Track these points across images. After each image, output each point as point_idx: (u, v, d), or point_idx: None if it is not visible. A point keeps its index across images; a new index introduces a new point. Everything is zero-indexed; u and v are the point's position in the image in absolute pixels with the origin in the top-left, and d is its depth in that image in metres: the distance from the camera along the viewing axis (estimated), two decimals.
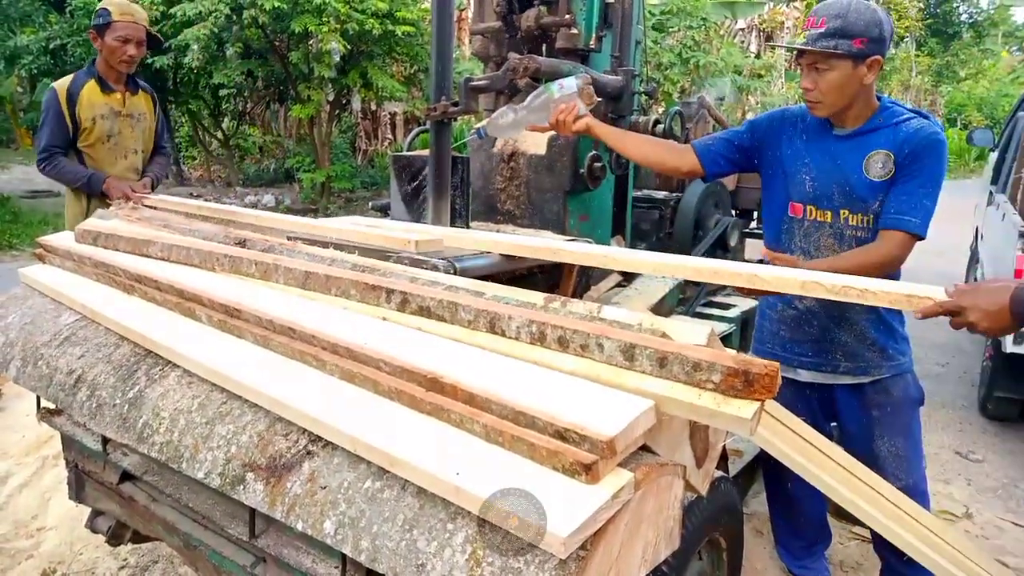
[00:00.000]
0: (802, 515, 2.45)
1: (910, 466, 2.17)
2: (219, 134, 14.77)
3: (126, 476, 1.85)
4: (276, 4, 9.48)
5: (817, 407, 2.28)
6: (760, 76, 16.93)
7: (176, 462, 1.39)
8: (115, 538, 2.20)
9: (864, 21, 1.91)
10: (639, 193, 3.51)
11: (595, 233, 2.83)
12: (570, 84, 2.18)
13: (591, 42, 2.72)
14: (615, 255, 1.92)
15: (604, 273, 2.80)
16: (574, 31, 2.64)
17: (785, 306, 2.23)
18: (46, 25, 11.08)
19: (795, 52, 2.07)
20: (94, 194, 3.31)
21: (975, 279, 5.71)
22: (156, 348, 1.60)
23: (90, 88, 3.29)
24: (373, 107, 14.97)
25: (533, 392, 1.14)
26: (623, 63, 2.90)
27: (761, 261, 2.05)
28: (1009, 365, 3.99)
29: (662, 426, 1.14)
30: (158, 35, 3.56)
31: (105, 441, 1.78)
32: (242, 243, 1.90)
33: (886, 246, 1.96)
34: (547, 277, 2.27)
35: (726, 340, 2.98)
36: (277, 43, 11.20)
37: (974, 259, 6.26)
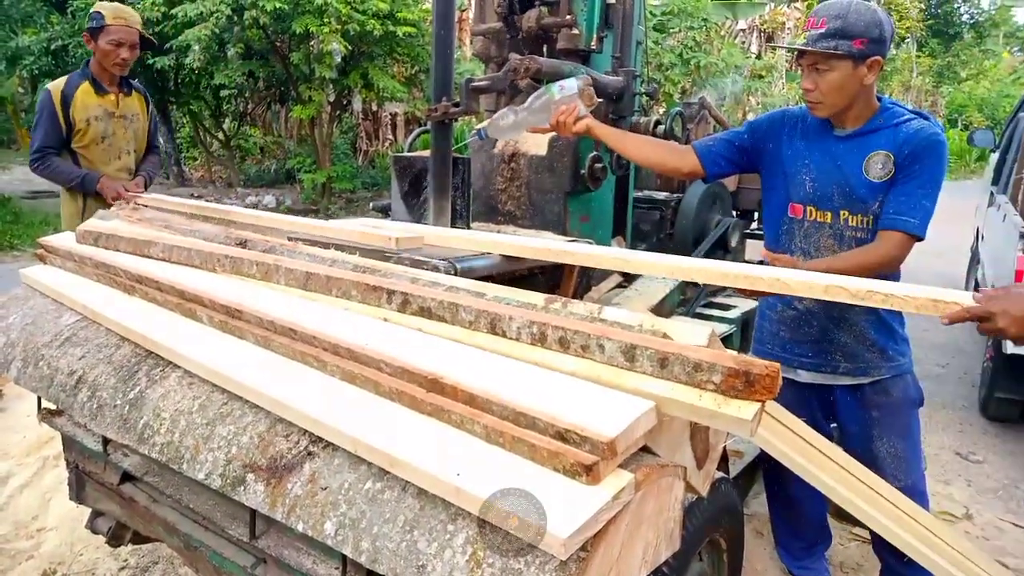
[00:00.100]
0: (802, 516, 2.45)
1: (909, 467, 2.17)
2: (220, 135, 14.79)
3: (127, 477, 1.85)
4: (277, 5, 9.49)
5: (817, 408, 2.28)
6: (761, 77, 16.94)
7: (177, 463, 1.39)
8: (115, 539, 2.20)
9: (864, 22, 1.91)
10: (640, 194, 3.51)
11: (596, 234, 2.83)
12: (571, 85, 2.18)
13: (592, 43, 2.72)
14: (616, 256, 1.92)
15: (605, 274, 2.80)
16: (575, 32, 2.64)
17: (785, 307, 2.23)
18: (47, 26, 11.10)
19: (796, 53, 2.07)
20: (88, 193, 3.34)
21: (975, 280, 5.71)
22: (157, 349, 1.61)
23: (84, 90, 3.32)
24: (374, 108, 14.99)
25: (534, 393, 1.14)
26: (624, 64, 2.90)
27: (761, 262, 2.05)
28: (1010, 366, 3.98)
29: (663, 427, 1.14)
30: (151, 38, 3.59)
31: (106, 442, 1.78)
32: (243, 244, 1.91)
33: (884, 246, 1.96)
34: (548, 278, 2.28)
35: (727, 341, 2.98)
36: (278, 44, 11.21)
37: (975, 260, 6.26)
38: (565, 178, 2.67)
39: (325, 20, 9.83)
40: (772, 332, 2.30)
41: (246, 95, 14.49)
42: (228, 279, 1.77)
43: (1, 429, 3.48)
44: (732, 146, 2.26)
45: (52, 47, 10.54)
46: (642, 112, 3.24)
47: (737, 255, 3.61)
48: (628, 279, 2.86)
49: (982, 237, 5.85)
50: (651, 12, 12.77)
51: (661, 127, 2.91)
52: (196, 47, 9.78)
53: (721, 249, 3.46)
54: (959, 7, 29.91)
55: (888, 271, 1.98)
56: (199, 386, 1.49)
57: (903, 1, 23.29)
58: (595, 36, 2.73)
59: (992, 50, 29.87)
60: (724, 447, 1.49)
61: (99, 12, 3.26)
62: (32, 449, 3.26)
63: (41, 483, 3.02)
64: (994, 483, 3.58)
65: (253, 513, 1.41)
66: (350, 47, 10.32)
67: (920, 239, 1.96)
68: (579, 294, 2.41)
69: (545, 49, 2.80)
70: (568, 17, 2.62)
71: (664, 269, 1.77)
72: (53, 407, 1.91)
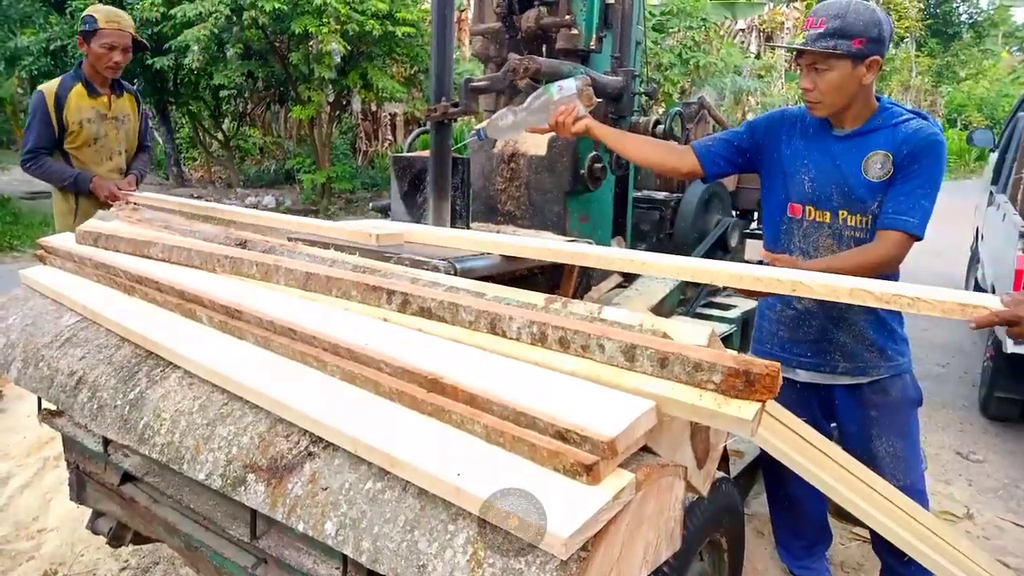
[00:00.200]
0: (803, 515, 2.45)
1: (908, 466, 2.17)
2: (219, 135, 14.79)
3: (127, 477, 1.85)
4: (276, 5, 9.49)
5: (816, 407, 2.29)
6: (760, 77, 16.95)
7: (177, 463, 1.39)
8: (116, 539, 2.20)
9: (863, 21, 1.92)
10: (639, 194, 3.51)
11: (596, 234, 2.83)
12: (569, 86, 2.18)
13: (591, 43, 2.72)
14: (616, 256, 1.92)
15: (605, 274, 2.80)
16: (574, 32, 2.64)
17: (784, 306, 2.23)
18: (46, 26, 11.09)
19: (795, 52, 2.08)
20: (80, 192, 3.37)
21: (975, 279, 5.71)
22: (157, 349, 1.61)
23: (77, 92, 3.34)
24: (373, 108, 14.99)
25: (534, 393, 1.14)
26: (623, 64, 2.90)
27: (760, 262, 2.05)
28: (1010, 365, 3.99)
29: (663, 427, 1.14)
30: (144, 41, 3.61)
31: (106, 442, 1.78)
32: (243, 244, 1.91)
33: (883, 246, 1.96)
34: (548, 278, 2.28)
35: (727, 341, 2.98)
36: (277, 44, 11.21)
37: (974, 259, 6.26)
38: (565, 178, 2.67)
39: (324, 20, 9.83)
40: (771, 332, 2.30)
41: (245, 95, 14.49)
42: (228, 279, 1.77)
43: (1, 430, 3.48)
44: (731, 146, 2.26)
45: (51, 47, 10.53)
46: (641, 112, 3.23)
47: (737, 255, 3.61)
48: (628, 279, 2.86)
49: (982, 237, 5.86)
50: (650, 12, 12.78)
51: (660, 127, 2.91)
52: (195, 47, 9.78)
53: (721, 249, 3.46)
54: (958, 7, 29.91)
55: (887, 271, 1.98)
56: (199, 386, 1.49)
57: (902, 1, 23.29)
58: (594, 36, 2.73)
59: (991, 50, 29.87)
60: (724, 447, 1.49)
61: (92, 16, 3.29)
62: (32, 450, 3.26)
63: (42, 484, 3.02)
64: (994, 482, 3.58)
65: (254, 513, 1.41)
66: (349, 47, 10.32)
67: (919, 239, 1.96)
68: (579, 294, 2.41)
69: (544, 49, 2.80)
70: (567, 17, 2.62)
71: (669, 270, 1.76)
72: (53, 408, 1.91)
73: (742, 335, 3.17)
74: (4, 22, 11.83)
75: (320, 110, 11.76)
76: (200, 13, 9.63)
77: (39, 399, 1.93)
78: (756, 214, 4.02)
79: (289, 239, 1.99)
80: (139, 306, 1.79)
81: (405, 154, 2.58)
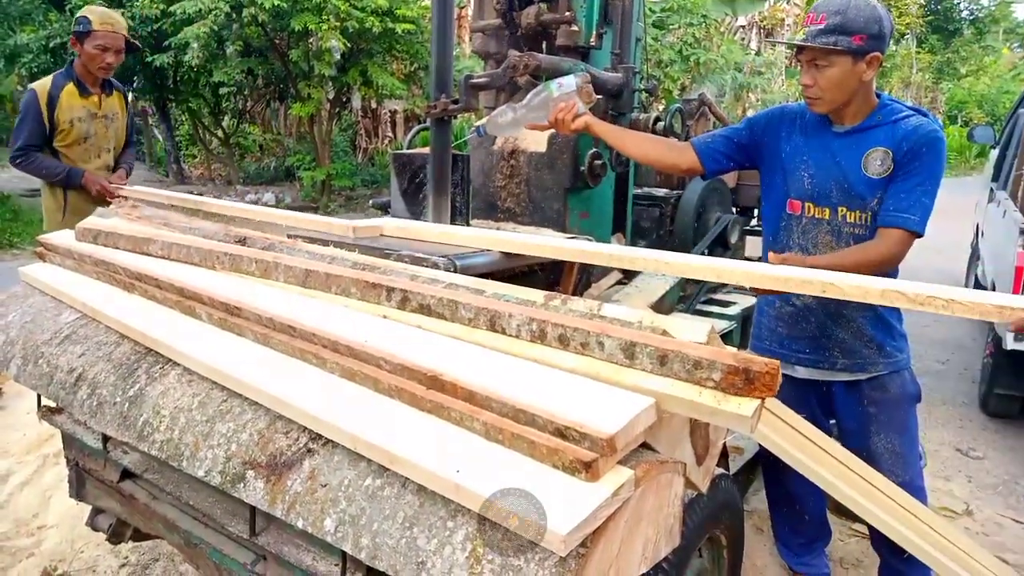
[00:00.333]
0: (802, 512, 2.45)
1: (906, 463, 2.17)
2: (219, 132, 14.78)
3: (127, 474, 1.85)
4: (276, 2, 9.48)
5: (815, 404, 2.29)
6: (760, 73, 16.92)
7: (176, 460, 1.39)
8: (116, 536, 2.20)
9: (864, 18, 1.91)
10: (639, 191, 3.51)
11: (596, 231, 2.83)
12: (569, 82, 2.18)
13: (591, 39, 2.72)
14: (615, 253, 1.91)
15: (604, 271, 2.79)
16: (574, 28, 2.64)
17: (783, 303, 2.23)
18: (46, 24, 11.08)
19: (795, 49, 2.07)
20: (71, 188, 3.40)
21: (975, 276, 5.71)
22: (156, 346, 1.61)
23: (69, 91, 3.36)
24: (373, 105, 14.98)
25: (533, 390, 1.14)
26: (623, 60, 2.89)
27: (759, 259, 2.04)
28: (1010, 362, 3.99)
29: (662, 424, 1.14)
30: (136, 43, 3.65)
31: (106, 439, 1.79)
32: (242, 241, 1.91)
33: (885, 244, 1.96)
34: (547, 275, 2.27)
35: (726, 337, 2.98)
36: (277, 41, 11.20)
37: (975, 256, 6.26)
38: (565, 175, 2.67)
39: (324, 17, 9.83)
40: (770, 328, 2.30)
41: (245, 93, 14.48)
42: (227, 276, 1.77)
43: (1, 427, 3.49)
44: (731, 143, 2.26)
45: (50, 45, 10.52)
46: (642, 109, 3.23)
47: (737, 252, 3.60)
48: (628, 276, 2.86)
49: (982, 233, 5.85)
50: (650, 9, 12.76)
51: (661, 124, 2.91)
52: (195, 45, 9.77)
53: (721, 246, 3.46)
54: (959, 3, 29.86)
55: (888, 268, 1.98)
56: (198, 383, 1.49)
57: None
58: (594, 33, 2.72)
59: (992, 46, 29.80)
60: (724, 443, 1.49)
61: (86, 17, 3.31)
62: (32, 447, 3.27)
63: (41, 481, 3.02)
64: (994, 479, 3.58)
65: (253, 510, 1.41)
66: (349, 44, 10.31)
67: (920, 236, 1.96)
68: (579, 291, 2.41)
69: (544, 46, 2.79)
70: (567, 14, 2.62)
71: (666, 267, 1.76)
72: (53, 405, 1.91)
73: (742, 332, 3.17)
74: (4, 19, 11.83)
75: (320, 107, 11.75)
76: (200, 10, 9.62)
77: (39, 396, 1.93)
78: (756, 211, 4.02)
79: (289, 236, 2.00)
80: (138, 303, 1.79)
81: (405, 151, 2.58)
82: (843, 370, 2.18)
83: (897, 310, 2.13)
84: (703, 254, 3.24)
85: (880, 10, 1.95)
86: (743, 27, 19.56)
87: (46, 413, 2.02)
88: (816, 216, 2.11)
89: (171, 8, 9.83)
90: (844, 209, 2.06)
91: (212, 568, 1.68)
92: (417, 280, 1.53)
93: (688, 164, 2.29)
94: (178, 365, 1.56)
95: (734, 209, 3.83)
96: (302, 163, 13.01)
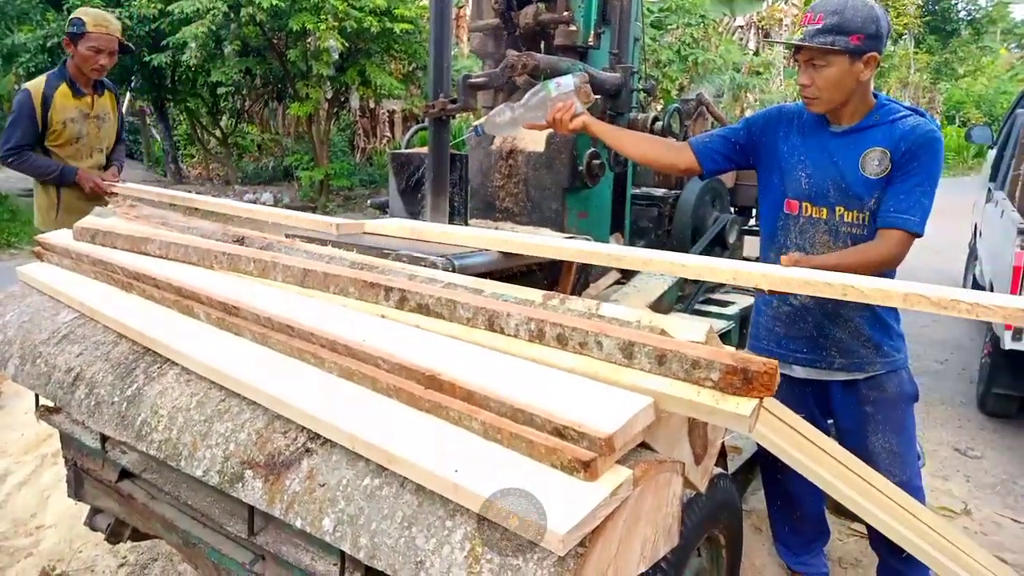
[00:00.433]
0: (800, 512, 2.45)
1: (904, 462, 2.17)
2: (217, 132, 14.76)
3: (125, 474, 1.85)
4: (274, 2, 9.47)
5: (813, 403, 2.29)
6: (759, 73, 16.92)
7: (175, 460, 1.39)
8: (114, 536, 2.20)
9: (861, 18, 1.92)
10: (638, 190, 3.51)
11: (594, 230, 2.83)
12: (567, 82, 2.18)
13: (589, 39, 2.72)
14: (613, 252, 1.91)
15: (603, 270, 2.80)
16: (572, 28, 2.64)
17: (780, 303, 2.23)
18: (43, 23, 11.06)
19: (793, 49, 2.08)
20: (65, 186, 3.41)
21: (973, 276, 5.72)
22: (154, 346, 1.60)
23: (62, 92, 3.36)
24: (371, 105, 14.96)
25: (532, 389, 1.14)
26: (622, 60, 2.90)
27: (759, 260, 2.04)
28: (1008, 362, 3.99)
29: (661, 423, 1.14)
30: (130, 45, 3.65)
31: (104, 439, 1.78)
32: (240, 241, 1.90)
33: (885, 245, 1.96)
34: (546, 274, 2.27)
35: (725, 337, 2.98)
36: (275, 41, 11.19)
37: (972, 256, 6.26)
38: (563, 175, 2.67)
39: (322, 17, 9.82)
40: (768, 328, 2.30)
41: (243, 92, 14.46)
42: (225, 276, 1.77)
43: None
44: (728, 142, 2.26)
45: (48, 44, 10.50)
46: (640, 108, 3.23)
47: (735, 251, 3.61)
48: (626, 275, 2.86)
49: (980, 233, 5.86)
50: (649, 9, 12.77)
51: (659, 123, 2.91)
52: (193, 44, 9.76)
53: (719, 245, 3.46)
54: (956, 3, 29.87)
55: (889, 268, 1.99)
56: (197, 383, 1.49)
57: None
58: (593, 32, 2.73)
59: (989, 47, 29.82)
60: (722, 443, 1.49)
61: (80, 18, 3.31)
62: (30, 447, 3.26)
63: (39, 480, 3.02)
64: (992, 479, 3.59)
65: (251, 509, 1.41)
66: (347, 44, 10.30)
67: (919, 236, 1.96)
68: (577, 291, 2.41)
69: (543, 45, 2.79)
70: (566, 13, 2.62)
71: (668, 267, 1.76)
72: (51, 404, 1.91)
73: (740, 331, 3.17)
74: (1, 19, 11.80)
75: (318, 107, 11.74)
76: (198, 9, 9.60)
77: (36, 396, 1.93)
78: (754, 210, 4.02)
79: (287, 235, 2.00)
80: (136, 302, 1.79)
81: (403, 151, 2.58)
82: (841, 370, 2.18)
83: (895, 310, 2.13)
84: (701, 254, 3.25)
85: (877, 10, 1.95)
86: (741, 27, 19.55)
87: (44, 413, 2.01)
88: (814, 216, 2.11)
89: (169, 8, 9.82)
90: (842, 209, 2.06)
91: (211, 568, 1.68)
92: (415, 280, 1.53)
93: (686, 164, 2.29)
94: (176, 365, 1.55)
95: (732, 209, 3.83)
96: (300, 163, 13.00)
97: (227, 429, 1.36)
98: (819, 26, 1.94)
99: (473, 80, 2.34)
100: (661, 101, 12.59)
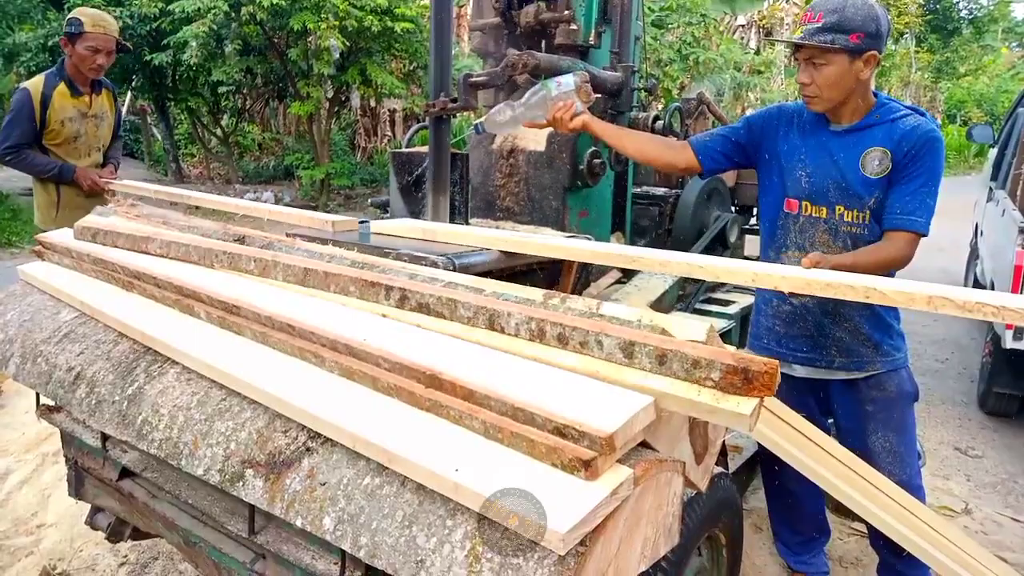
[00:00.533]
0: (801, 511, 2.46)
1: (904, 461, 2.18)
2: (218, 131, 14.77)
3: (125, 473, 1.85)
4: (274, 1, 9.46)
5: (813, 403, 2.29)
6: (760, 72, 16.91)
7: (175, 459, 1.39)
8: (115, 535, 2.20)
9: (861, 16, 1.92)
10: (638, 189, 3.51)
11: (595, 229, 2.83)
12: (567, 82, 2.18)
13: (590, 38, 2.72)
14: (614, 252, 1.91)
15: (603, 270, 2.80)
16: (573, 27, 2.64)
17: (780, 302, 2.23)
18: (44, 22, 11.07)
19: (793, 47, 2.08)
20: (63, 183, 3.42)
21: (974, 275, 5.71)
22: (155, 345, 1.60)
23: (60, 92, 3.37)
24: (372, 104, 14.96)
25: (532, 389, 1.14)
26: (622, 59, 2.89)
27: (759, 259, 2.04)
28: (1008, 361, 3.99)
29: (661, 422, 1.14)
30: (128, 45, 3.66)
31: (104, 438, 1.78)
32: (241, 240, 1.90)
33: (894, 246, 1.97)
34: (546, 274, 2.27)
35: (726, 336, 2.98)
36: (276, 40, 11.19)
37: (974, 255, 6.26)
38: (564, 174, 2.67)
39: (323, 16, 9.81)
40: (768, 327, 2.30)
41: (244, 91, 14.47)
42: (226, 275, 1.77)
43: (0, 426, 3.48)
44: (728, 141, 2.26)
45: (49, 43, 10.50)
46: (641, 107, 3.23)
47: (736, 250, 3.61)
48: (627, 275, 2.86)
49: (981, 233, 5.85)
50: (649, 8, 12.76)
51: (660, 122, 2.91)
52: (193, 43, 9.77)
53: (720, 245, 3.46)
54: (958, 2, 29.82)
55: (898, 268, 2.00)
56: (197, 382, 1.49)
57: None
58: (593, 31, 2.73)
59: (991, 45, 29.76)
60: (723, 442, 1.49)
61: (78, 18, 3.32)
62: (31, 445, 3.26)
63: (40, 479, 3.02)
64: (992, 478, 3.59)
65: (252, 508, 1.41)
66: (348, 43, 10.29)
67: (926, 236, 1.98)
68: (578, 290, 2.41)
69: (543, 44, 2.79)
70: (566, 12, 2.62)
71: (669, 267, 1.76)
72: (52, 403, 1.91)
73: (741, 331, 3.17)
74: (2, 18, 11.81)
75: (319, 106, 11.74)
76: (199, 9, 9.61)
77: (37, 395, 1.93)
78: (755, 209, 4.02)
79: (288, 234, 2.00)
80: (137, 302, 1.79)
81: (404, 150, 2.58)
82: (841, 369, 2.18)
83: (895, 309, 2.13)
84: (701, 252, 3.24)
85: (877, 9, 1.95)
86: (742, 26, 19.54)
87: (45, 412, 2.01)
88: (813, 215, 2.11)
89: (170, 7, 9.82)
90: (841, 208, 2.06)
91: (211, 567, 1.68)
92: (416, 279, 1.53)
93: (686, 163, 2.29)
94: (177, 364, 1.55)
95: (733, 208, 3.83)
96: (301, 162, 13.00)
97: (228, 428, 1.36)
98: (819, 24, 1.94)
99: (474, 79, 2.34)
100: (662, 100, 12.59)
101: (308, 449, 1.25)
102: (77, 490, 2.09)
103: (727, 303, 3.27)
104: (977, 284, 5.32)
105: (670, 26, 13.88)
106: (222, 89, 13.35)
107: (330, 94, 12.11)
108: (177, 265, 1.85)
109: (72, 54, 3.33)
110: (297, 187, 13.18)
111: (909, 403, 2.21)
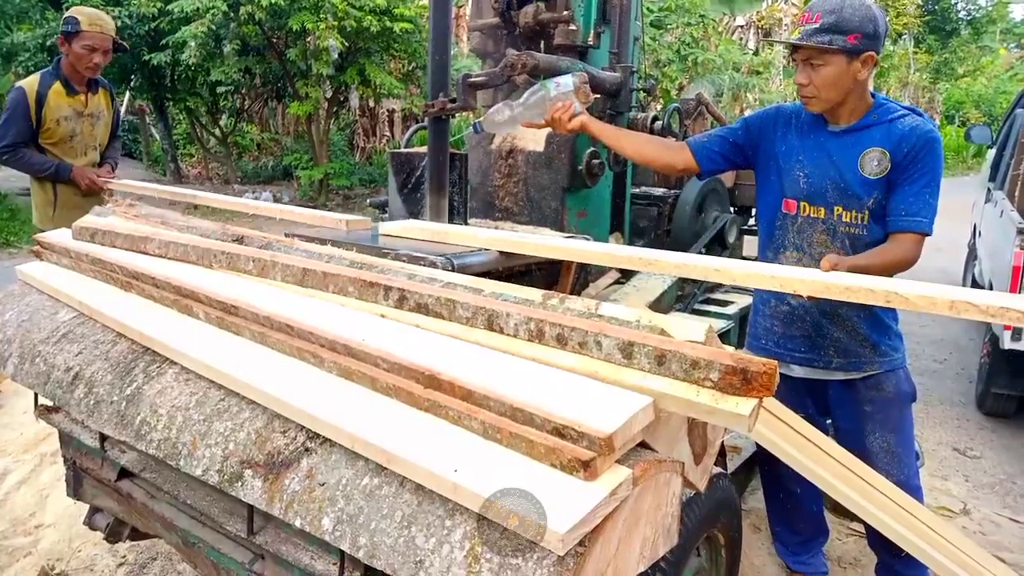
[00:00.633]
0: (799, 511, 2.46)
1: (901, 462, 2.18)
2: (217, 131, 14.75)
3: (124, 473, 1.85)
4: (273, 1, 9.46)
5: (811, 403, 2.29)
6: (758, 73, 16.92)
7: (174, 459, 1.39)
8: (113, 535, 2.20)
9: (858, 17, 1.92)
10: (637, 190, 3.52)
11: (593, 230, 2.83)
12: (566, 82, 2.18)
13: (589, 38, 2.72)
14: (613, 252, 1.91)
15: (602, 270, 2.80)
16: (572, 27, 2.64)
17: (778, 302, 2.24)
18: (43, 22, 11.06)
19: (791, 48, 2.08)
20: (60, 182, 3.42)
21: (972, 276, 5.72)
22: (153, 345, 1.60)
23: (56, 90, 3.37)
24: (371, 104, 14.96)
25: (531, 389, 1.14)
26: (621, 59, 2.89)
27: (757, 260, 2.04)
28: (1006, 361, 4.00)
29: (660, 423, 1.14)
30: (124, 44, 3.67)
31: (103, 438, 1.78)
32: (240, 240, 1.90)
33: (902, 248, 1.98)
34: (545, 274, 2.27)
35: (724, 337, 2.98)
36: (275, 40, 11.19)
37: (972, 256, 6.26)
38: (563, 174, 2.67)
39: (322, 16, 9.81)
40: (766, 327, 2.30)
41: (243, 92, 14.46)
42: (225, 275, 1.77)
43: None
44: (727, 142, 2.27)
45: (47, 43, 10.50)
46: (640, 108, 3.23)
47: (734, 251, 3.61)
48: (626, 275, 2.86)
49: (979, 233, 5.86)
50: (648, 8, 12.77)
51: (659, 123, 2.91)
52: (192, 43, 9.77)
53: (719, 245, 3.46)
54: (956, 3, 29.84)
55: (905, 269, 2.00)
56: (196, 382, 1.49)
57: None
58: (592, 32, 2.73)
59: (989, 46, 29.79)
60: (722, 443, 1.49)
61: (74, 17, 3.32)
62: (29, 446, 3.26)
63: (38, 480, 3.01)
64: (991, 478, 3.59)
65: (251, 509, 1.41)
66: (347, 43, 10.29)
67: (930, 235, 1.99)
68: (576, 290, 2.41)
69: (542, 44, 2.79)
70: (565, 13, 2.62)
71: (670, 267, 1.75)
72: (50, 403, 1.91)
73: (740, 331, 3.17)
74: (0, 18, 11.80)
75: (318, 106, 11.74)
76: (197, 9, 9.60)
77: (36, 395, 1.92)
78: (754, 210, 4.02)
79: (287, 235, 2.00)
80: (136, 302, 1.79)
81: (403, 150, 2.58)
82: (839, 369, 2.18)
83: (892, 309, 2.13)
84: (700, 253, 3.24)
85: (875, 10, 1.96)
86: (741, 27, 19.55)
87: (43, 412, 2.01)
88: (812, 215, 2.12)
89: (168, 7, 9.82)
90: (840, 208, 2.07)
91: (210, 567, 1.68)
92: (415, 279, 1.53)
93: (684, 164, 2.29)
94: (175, 364, 1.55)
95: (732, 208, 3.83)
96: (299, 162, 12.99)
97: (226, 428, 1.35)
98: (817, 25, 1.95)
99: (473, 79, 2.33)
100: (661, 100, 12.59)
101: (307, 449, 1.25)
102: (75, 490, 2.09)
103: (726, 303, 3.27)
104: (975, 284, 5.33)
105: (669, 26, 13.89)
106: (221, 89, 13.34)
107: (329, 94, 12.10)
108: (176, 265, 1.85)
109: (69, 53, 3.33)
110: (295, 187, 13.17)
111: (907, 403, 2.21)
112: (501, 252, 1.97)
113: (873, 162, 2.01)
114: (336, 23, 9.88)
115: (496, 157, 2.78)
